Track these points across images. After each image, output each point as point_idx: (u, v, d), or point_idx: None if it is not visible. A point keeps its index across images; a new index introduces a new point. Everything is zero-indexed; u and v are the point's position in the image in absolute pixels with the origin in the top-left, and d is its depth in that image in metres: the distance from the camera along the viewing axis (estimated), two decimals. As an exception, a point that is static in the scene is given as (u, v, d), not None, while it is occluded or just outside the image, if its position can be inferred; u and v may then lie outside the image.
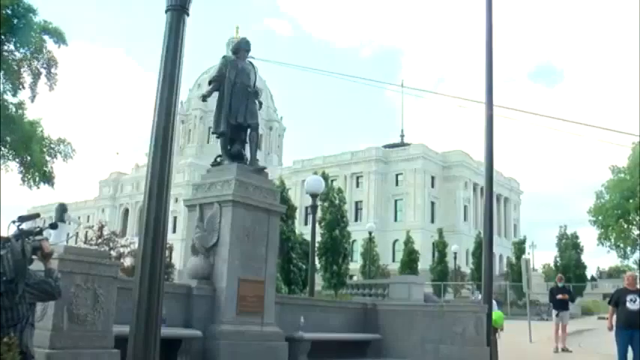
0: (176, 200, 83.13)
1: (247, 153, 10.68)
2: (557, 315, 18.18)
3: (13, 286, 3.83)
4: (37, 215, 4.69)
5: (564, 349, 17.33)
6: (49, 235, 5.02)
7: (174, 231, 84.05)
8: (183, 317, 8.97)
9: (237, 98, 10.48)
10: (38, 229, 4.14)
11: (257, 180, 10.23)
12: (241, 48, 11.13)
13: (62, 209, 13.66)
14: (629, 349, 11.63)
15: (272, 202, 10.30)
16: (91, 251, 9.37)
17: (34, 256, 4.05)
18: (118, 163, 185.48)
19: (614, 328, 11.92)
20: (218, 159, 10.77)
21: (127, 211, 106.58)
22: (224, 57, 11.40)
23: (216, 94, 10.73)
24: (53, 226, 5.47)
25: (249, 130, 10.64)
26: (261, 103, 11.19)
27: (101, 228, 34.55)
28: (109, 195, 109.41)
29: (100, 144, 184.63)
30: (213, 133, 11.60)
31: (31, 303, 4.00)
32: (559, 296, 18.33)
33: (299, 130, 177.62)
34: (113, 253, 30.77)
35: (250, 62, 11.16)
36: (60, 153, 26.68)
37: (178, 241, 57.69)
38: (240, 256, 9.70)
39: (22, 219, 4.14)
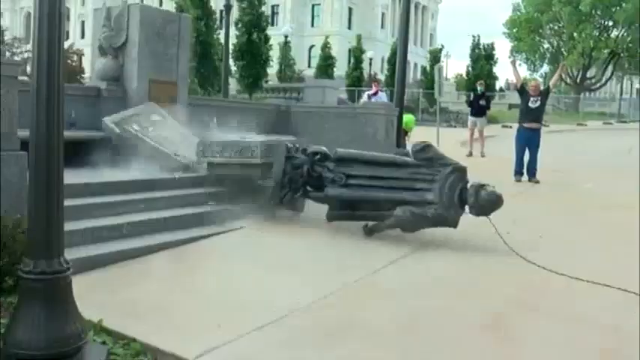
0: (83, 3, 78.39)
1: None
2: (473, 122, 18.76)
3: None
4: None
5: (482, 155, 17.94)
6: None
7: (82, 36, 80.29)
8: (93, 120, 8.80)
9: None
10: None
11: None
12: None
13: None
14: (527, 152, 12.53)
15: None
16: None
17: None
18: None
19: (516, 131, 12.77)
20: None
21: (29, 15, 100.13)
22: None
23: None
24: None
25: None
26: None
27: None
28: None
29: None
30: None
31: None
32: (482, 102, 18.70)
33: None
34: (17, 58, 29.37)
35: None
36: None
37: (88, 46, 55.27)
38: (150, 57, 9.44)
39: None
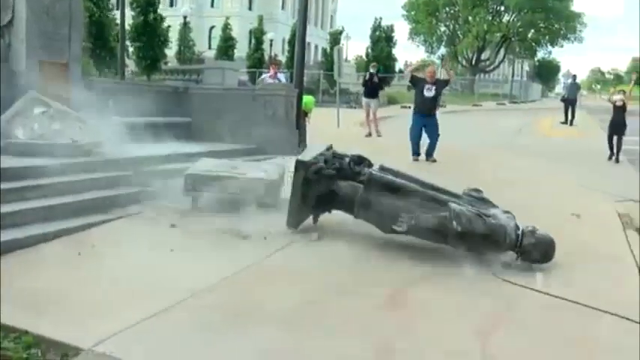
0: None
1: None
2: (367, 103, 19.11)
3: None
4: None
5: (379, 135, 18.36)
6: None
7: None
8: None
9: None
10: None
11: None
12: None
13: None
14: (424, 135, 12.87)
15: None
16: None
17: None
18: None
19: (412, 117, 13.08)
20: None
21: None
22: None
23: None
24: None
25: None
26: None
27: None
28: None
29: None
30: None
31: None
32: (375, 80, 19.05)
33: None
34: None
35: None
36: None
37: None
38: (40, 36, 9.00)
39: None
